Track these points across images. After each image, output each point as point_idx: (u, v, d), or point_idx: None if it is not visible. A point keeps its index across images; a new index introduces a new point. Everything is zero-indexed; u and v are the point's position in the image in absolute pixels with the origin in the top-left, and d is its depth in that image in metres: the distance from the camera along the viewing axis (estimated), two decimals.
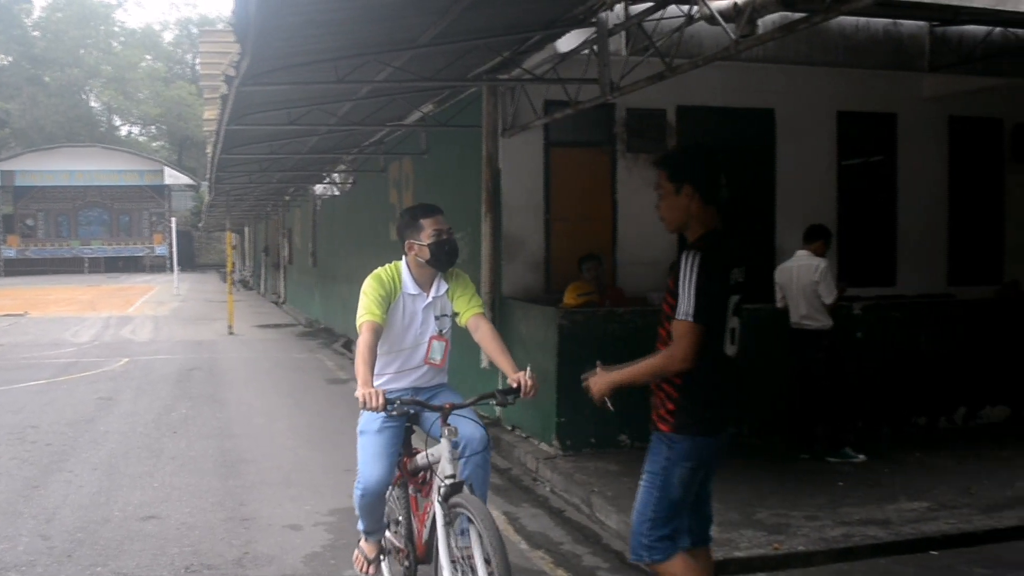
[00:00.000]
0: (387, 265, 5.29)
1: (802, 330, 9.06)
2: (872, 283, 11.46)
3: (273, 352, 20.12)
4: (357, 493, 5.30)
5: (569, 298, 9.44)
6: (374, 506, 5.34)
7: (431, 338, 5.27)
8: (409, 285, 5.23)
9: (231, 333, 23.71)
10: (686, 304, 4.07)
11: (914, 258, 11.99)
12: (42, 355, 19.28)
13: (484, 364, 10.34)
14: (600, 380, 4.37)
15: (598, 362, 4.46)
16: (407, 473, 5.37)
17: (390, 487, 5.40)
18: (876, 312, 10.17)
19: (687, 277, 4.08)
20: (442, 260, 5.21)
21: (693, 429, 4.23)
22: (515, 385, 4.76)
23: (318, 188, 23.84)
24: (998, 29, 9.74)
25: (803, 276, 8.97)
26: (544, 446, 9.29)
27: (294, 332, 25.07)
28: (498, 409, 10.30)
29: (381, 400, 4.55)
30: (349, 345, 19.71)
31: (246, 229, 52.58)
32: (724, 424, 4.36)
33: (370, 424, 5.20)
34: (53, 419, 11.79)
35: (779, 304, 9.25)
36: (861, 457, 8.84)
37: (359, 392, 4.61)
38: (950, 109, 12.01)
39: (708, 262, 4.08)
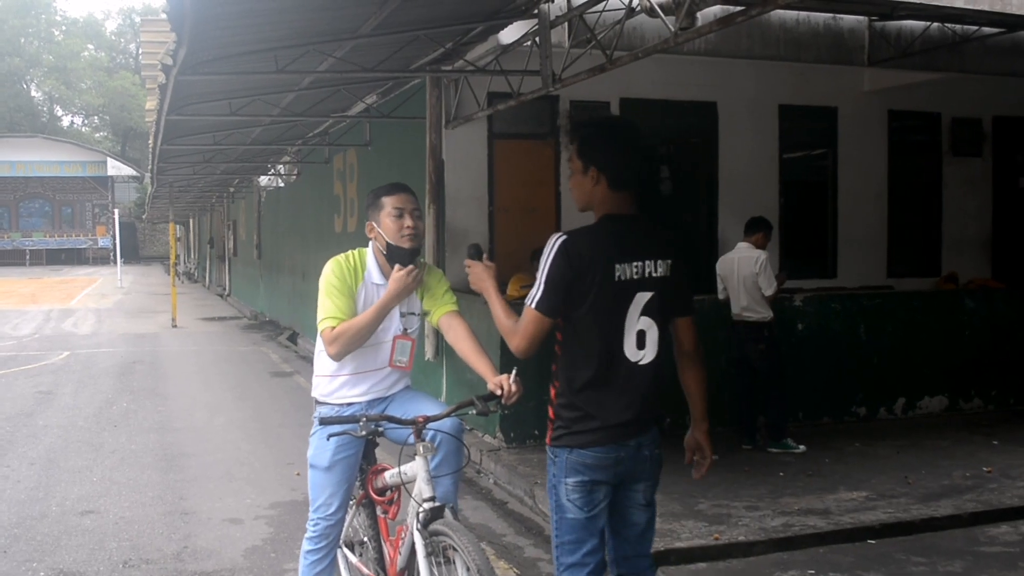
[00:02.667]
0: (350, 252, 4.60)
1: (743, 322, 9.12)
2: (813, 275, 11.62)
3: (217, 345, 19.91)
4: (306, 547, 4.63)
5: (512, 289, 9.43)
6: (325, 559, 4.64)
7: (395, 337, 4.59)
8: (374, 274, 4.54)
9: (175, 326, 23.40)
10: (534, 289, 3.72)
11: (854, 250, 12.15)
12: None
13: (428, 356, 10.32)
14: (482, 276, 4.08)
15: (484, 255, 4.18)
16: (373, 492, 4.69)
17: (353, 507, 4.80)
18: (817, 304, 10.27)
19: (543, 262, 3.71)
20: None
21: (569, 440, 3.71)
22: (498, 391, 4.13)
23: (263, 180, 23.65)
24: (935, 24, 9.91)
25: (743, 268, 9.04)
26: (488, 438, 9.29)
27: (239, 325, 24.84)
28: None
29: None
30: (294, 338, 19.60)
31: (191, 221, 51.98)
32: (630, 434, 3.73)
33: (320, 456, 4.53)
34: None
35: (721, 296, 9.32)
36: (802, 448, 8.94)
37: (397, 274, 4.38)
38: (889, 103, 12.18)
39: (570, 248, 3.65)
